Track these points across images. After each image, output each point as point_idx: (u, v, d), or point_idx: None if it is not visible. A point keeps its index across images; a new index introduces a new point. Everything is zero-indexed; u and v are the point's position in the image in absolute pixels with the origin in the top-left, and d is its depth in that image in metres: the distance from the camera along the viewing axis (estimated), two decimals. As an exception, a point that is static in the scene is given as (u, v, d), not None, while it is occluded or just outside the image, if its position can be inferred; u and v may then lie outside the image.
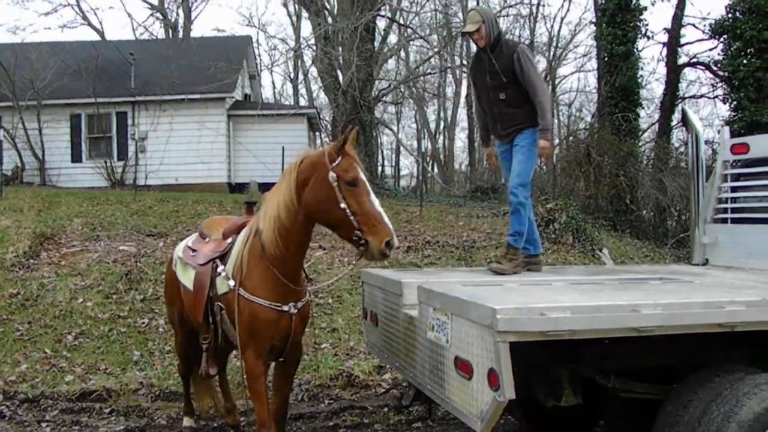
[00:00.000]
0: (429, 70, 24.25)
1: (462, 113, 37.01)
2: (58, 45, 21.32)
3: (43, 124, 18.95)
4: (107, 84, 19.45)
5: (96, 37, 29.85)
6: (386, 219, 3.74)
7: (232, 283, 4.06)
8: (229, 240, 4.38)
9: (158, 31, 33.54)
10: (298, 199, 3.86)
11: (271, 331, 4.00)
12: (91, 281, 8.62)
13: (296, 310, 4.05)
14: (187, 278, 4.59)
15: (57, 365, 6.89)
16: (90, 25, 32.82)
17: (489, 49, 5.14)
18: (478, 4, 27.35)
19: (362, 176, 3.81)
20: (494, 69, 5.10)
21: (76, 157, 19.89)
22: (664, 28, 21.52)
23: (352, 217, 3.71)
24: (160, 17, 32.71)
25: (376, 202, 3.79)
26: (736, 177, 5.67)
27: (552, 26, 41.54)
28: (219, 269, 4.22)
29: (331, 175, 3.75)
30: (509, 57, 5.06)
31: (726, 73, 19.39)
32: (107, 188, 18.19)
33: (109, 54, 20.41)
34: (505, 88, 5.15)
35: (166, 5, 32.75)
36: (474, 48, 5.68)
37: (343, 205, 3.71)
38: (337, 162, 3.77)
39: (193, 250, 4.64)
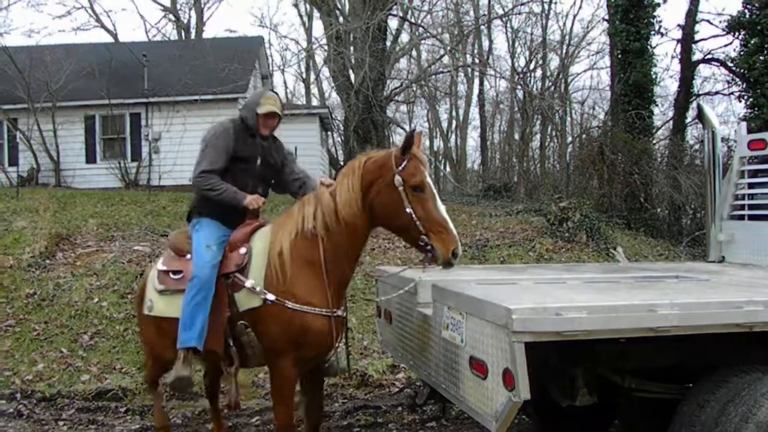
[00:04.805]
0: (441, 69, 24.17)
1: (474, 112, 36.90)
2: (72, 47, 21.43)
3: (58, 126, 19.08)
4: (121, 85, 19.54)
5: (109, 39, 29.99)
6: (452, 226, 3.68)
7: (271, 297, 3.77)
8: (243, 250, 4.00)
9: (171, 32, 33.69)
10: (363, 200, 3.78)
11: (324, 339, 3.85)
12: (106, 281, 8.68)
13: (343, 313, 4.00)
14: (175, 308, 3.98)
15: (73, 365, 6.95)
16: (103, 27, 32.94)
17: (272, 137, 4.49)
18: (489, 3, 27.29)
19: (429, 180, 3.73)
20: (270, 158, 4.45)
21: (90, 158, 20.00)
22: (678, 25, 21.36)
23: (418, 223, 3.64)
24: (173, 19, 32.82)
25: (442, 207, 3.72)
26: (754, 173, 5.62)
27: (564, 23, 41.54)
28: (247, 283, 3.84)
29: (397, 179, 3.68)
30: (279, 145, 4.55)
31: (742, 70, 19.19)
32: (121, 189, 18.29)
33: (123, 56, 20.51)
34: (273, 177, 4.54)
35: (178, 7, 32.88)
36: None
37: (408, 210, 3.65)
38: (403, 165, 3.69)
39: (176, 272, 4.10)
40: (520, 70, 32.58)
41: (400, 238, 4.02)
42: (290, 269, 3.81)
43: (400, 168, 3.69)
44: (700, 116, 6.38)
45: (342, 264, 3.90)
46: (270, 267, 3.86)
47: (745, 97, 19.69)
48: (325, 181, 4.07)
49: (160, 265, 4.24)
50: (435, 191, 3.74)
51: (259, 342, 3.88)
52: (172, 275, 4.11)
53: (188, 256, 4.11)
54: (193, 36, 31.04)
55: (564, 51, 32.61)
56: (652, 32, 19.78)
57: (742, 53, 19.28)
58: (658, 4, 19.61)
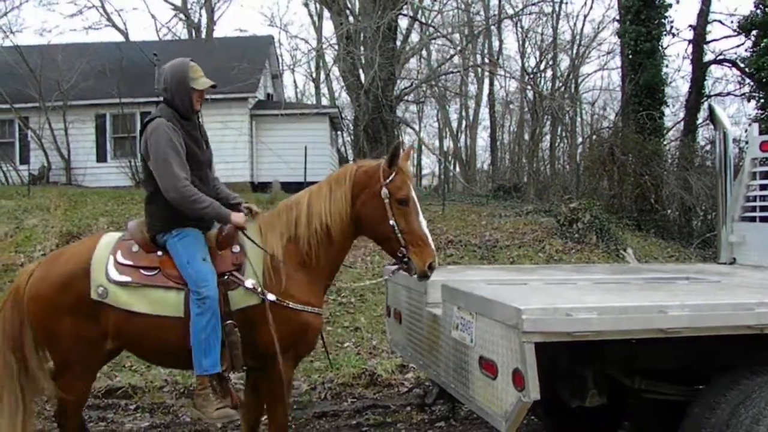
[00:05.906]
0: (451, 69, 24.14)
1: (484, 112, 36.82)
2: (83, 46, 21.56)
3: (69, 125, 19.20)
4: (131, 84, 19.63)
5: (120, 39, 30.12)
6: (431, 240, 3.81)
7: (272, 297, 3.72)
8: (236, 248, 3.88)
9: (181, 32, 33.82)
10: (352, 210, 3.89)
11: (316, 336, 4.04)
12: (116, 279, 8.69)
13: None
14: (146, 303, 3.75)
15: (83, 362, 6.96)
16: (114, 26, 33.11)
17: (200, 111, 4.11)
18: (500, 3, 27.25)
19: (413, 195, 3.85)
20: (206, 139, 4.14)
21: (101, 157, 20.10)
22: (690, 25, 21.25)
23: (399, 235, 3.78)
24: (184, 18, 32.96)
25: (424, 222, 3.85)
26: (765, 174, 5.59)
27: (575, 24, 41.36)
28: (247, 283, 3.74)
29: (384, 191, 3.79)
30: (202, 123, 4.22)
31: (753, 71, 19.06)
32: (132, 187, 18.36)
33: (133, 55, 20.59)
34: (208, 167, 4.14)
35: (189, 6, 33.02)
36: None
37: (391, 222, 3.77)
38: (390, 178, 3.80)
39: (149, 269, 3.81)
40: (530, 70, 32.49)
41: (381, 247, 4.08)
42: (285, 271, 3.83)
43: (387, 180, 3.80)
44: (712, 117, 6.35)
45: (328, 268, 4.00)
46: (265, 267, 3.84)
47: (756, 98, 19.56)
48: (239, 222, 3.87)
49: (119, 257, 3.82)
50: (418, 206, 3.88)
51: (246, 342, 3.78)
52: (143, 271, 3.80)
53: (159, 252, 3.86)
54: (203, 35, 31.16)
55: (574, 51, 32.48)
56: (664, 33, 19.66)
57: (753, 54, 19.15)
58: (670, 5, 19.50)
